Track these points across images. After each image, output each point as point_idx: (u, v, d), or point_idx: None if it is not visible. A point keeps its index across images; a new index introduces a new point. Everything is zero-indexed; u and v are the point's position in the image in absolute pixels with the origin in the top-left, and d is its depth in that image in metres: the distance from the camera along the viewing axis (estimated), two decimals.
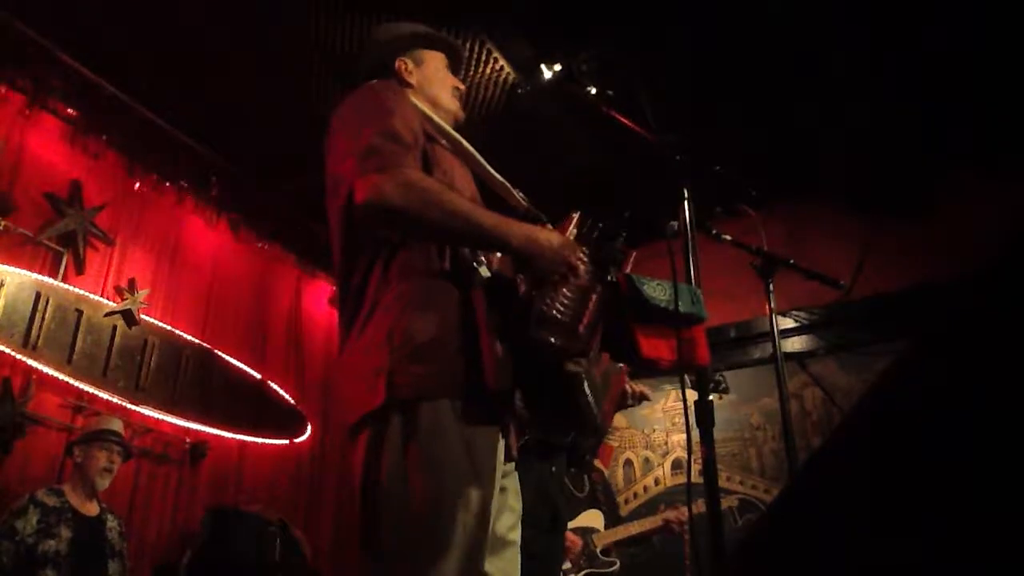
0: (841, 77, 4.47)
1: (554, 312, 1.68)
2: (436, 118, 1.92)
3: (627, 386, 3.74)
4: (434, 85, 2.10)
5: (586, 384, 1.76)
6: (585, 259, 1.77)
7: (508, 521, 1.78)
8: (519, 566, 1.78)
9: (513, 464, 1.82)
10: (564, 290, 1.72)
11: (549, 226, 1.86)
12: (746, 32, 4.23)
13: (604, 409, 1.85)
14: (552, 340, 1.66)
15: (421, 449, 1.55)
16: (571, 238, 1.81)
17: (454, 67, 2.20)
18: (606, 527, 4.36)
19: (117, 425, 4.14)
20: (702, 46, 4.32)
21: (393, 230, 1.71)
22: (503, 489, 1.75)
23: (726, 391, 3.44)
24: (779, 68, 4.44)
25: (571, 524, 4.23)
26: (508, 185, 1.97)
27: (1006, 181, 4.74)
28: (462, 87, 2.17)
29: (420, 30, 2.19)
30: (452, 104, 2.11)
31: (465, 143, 1.94)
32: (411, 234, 1.71)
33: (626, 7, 4.11)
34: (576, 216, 1.87)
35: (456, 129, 2.00)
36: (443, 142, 1.88)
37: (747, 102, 4.70)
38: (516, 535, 1.80)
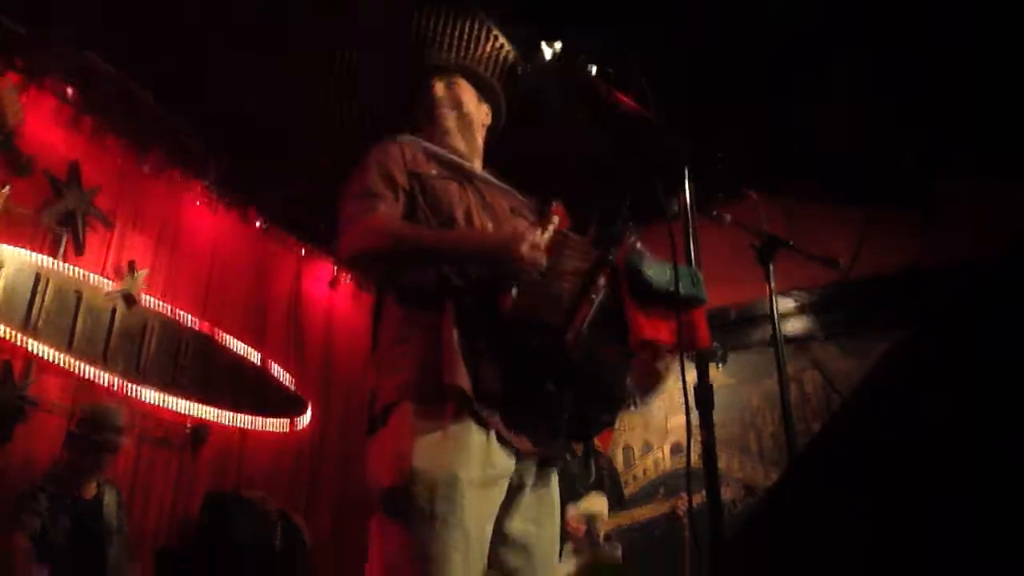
0: (841, 77, 4.45)
1: (535, 312, 1.74)
2: (435, 148, 2.12)
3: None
4: (447, 118, 2.23)
5: (600, 365, 1.82)
6: (545, 245, 1.81)
7: (529, 515, 1.86)
8: (550, 559, 1.86)
9: (533, 466, 1.88)
10: (548, 284, 1.76)
11: (555, 219, 1.92)
12: (746, 32, 4.21)
13: (632, 384, 1.90)
14: (535, 343, 1.72)
15: (395, 447, 1.73)
16: (547, 233, 1.86)
17: (476, 85, 2.33)
18: (610, 512, 4.37)
19: (115, 417, 4.06)
20: (702, 45, 4.30)
21: (373, 270, 2.06)
22: (521, 487, 1.84)
23: (724, 359, 3.46)
24: (779, 68, 4.42)
25: (576, 508, 4.24)
26: (513, 191, 2.20)
27: (1005, 177, 4.73)
28: (471, 112, 2.26)
29: (430, 62, 2.46)
30: (456, 129, 2.22)
31: (464, 164, 2.13)
32: (387, 268, 1.96)
33: (625, 8, 4.08)
34: (556, 205, 1.98)
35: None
36: (433, 172, 2.05)
37: (747, 102, 4.68)
38: (546, 530, 1.88)
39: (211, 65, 4.79)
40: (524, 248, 1.76)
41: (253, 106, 5.13)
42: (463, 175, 2.10)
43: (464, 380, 1.71)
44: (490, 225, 2.00)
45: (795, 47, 4.29)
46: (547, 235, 1.83)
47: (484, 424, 1.73)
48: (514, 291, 1.75)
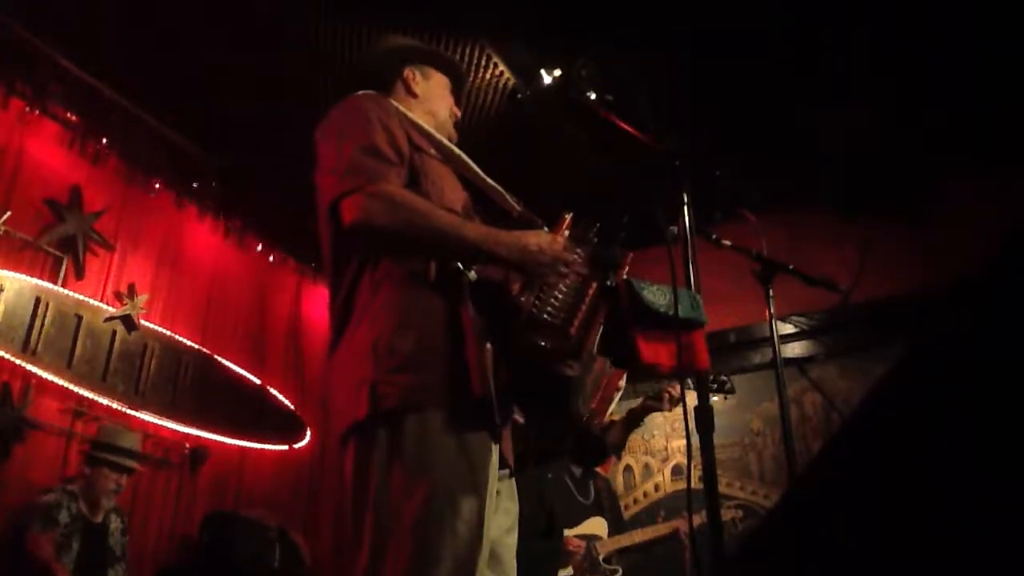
0: (841, 77, 4.46)
1: (544, 315, 1.69)
2: (427, 127, 1.94)
3: (647, 403, 3.75)
4: (434, 101, 2.13)
5: (578, 387, 1.77)
6: (579, 257, 1.79)
7: (503, 524, 1.80)
8: (515, 568, 1.80)
9: (507, 470, 1.83)
10: (556, 291, 1.73)
11: (545, 228, 1.86)
12: (746, 32, 4.23)
13: (590, 408, 1.85)
14: (542, 344, 1.67)
15: (408, 460, 1.57)
16: (563, 237, 1.82)
17: (456, 92, 2.22)
18: (609, 534, 4.34)
19: (132, 441, 4.14)
20: (702, 47, 4.32)
21: (381, 248, 1.74)
22: (496, 492, 1.75)
23: (731, 391, 3.41)
24: (779, 68, 4.44)
25: (574, 531, 4.21)
26: (501, 190, 1.98)
27: (1005, 182, 4.73)
28: (458, 113, 2.19)
29: (431, 48, 2.25)
30: (448, 124, 2.13)
31: (456, 150, 1.95)
32: (399, 250, 1.74)
33: (626, 9, 4.11)
34: (568, 218, 1.88)
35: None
36: (431, 151, 1.89)
37: (747, 103, 4.69)
38: (512, 538, 1.82)
39: (211, 88, 4.82)
40: (558, 253, 1.73)
41: (254, 129, 5.16)
42: (454, 163, 1.94)
43: (494, 393, 1.61)
44: (477, 221, 1.90)
45: (795, 47, 4.31)
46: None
47: (498, 437, 1.68)
48: (539, 292, 1.71)
